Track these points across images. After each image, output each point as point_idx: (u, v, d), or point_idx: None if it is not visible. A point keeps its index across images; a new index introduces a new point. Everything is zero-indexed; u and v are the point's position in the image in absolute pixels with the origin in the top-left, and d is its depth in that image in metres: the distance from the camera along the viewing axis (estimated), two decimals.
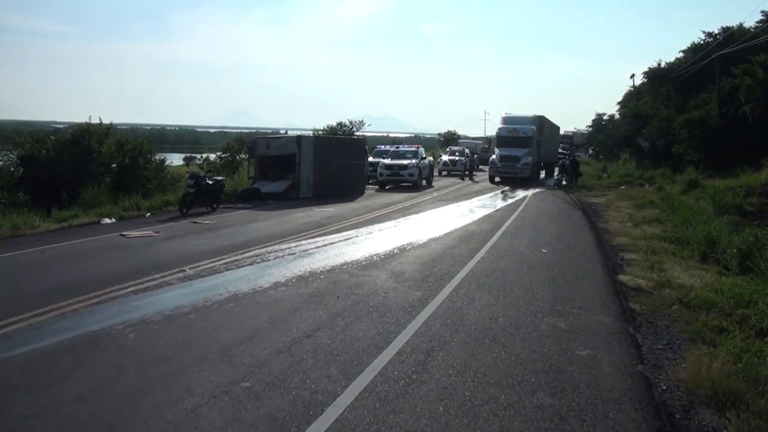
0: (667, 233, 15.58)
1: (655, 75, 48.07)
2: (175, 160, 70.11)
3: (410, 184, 33.51)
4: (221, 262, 11.93)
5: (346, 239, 14.89)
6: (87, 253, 13.44)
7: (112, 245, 14.35)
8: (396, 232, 16.22)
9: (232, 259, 12.25)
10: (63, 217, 19.19)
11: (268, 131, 38.95)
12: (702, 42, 43.52)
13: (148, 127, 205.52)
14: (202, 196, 21.80)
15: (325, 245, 13.99)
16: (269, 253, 12.96)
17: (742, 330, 7.58)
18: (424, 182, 34.94)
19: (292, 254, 12.85)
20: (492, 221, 19.00)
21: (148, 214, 20.73)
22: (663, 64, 48.13)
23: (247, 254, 12.76)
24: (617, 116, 65.01)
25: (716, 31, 42.69)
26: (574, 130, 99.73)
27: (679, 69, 43.43)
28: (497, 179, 39.04)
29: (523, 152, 38.51)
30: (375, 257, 12.39)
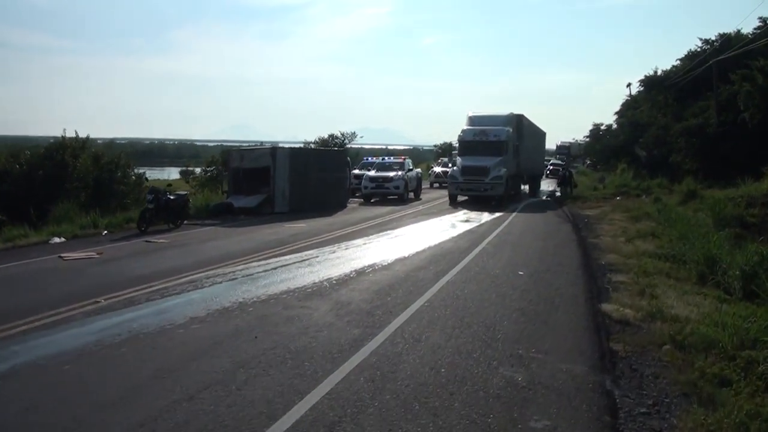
0: (663, 250, 14.00)
1: (651, 83, 46.70)
2: (173, 173, 68.82)
3: (396, 197, 31.99)
4: (148, 290, 10.36)
5: (302, 260, 13.31)
6: (9, 279, 11.91)
7: (43, 270, 12.83)
8: (362, 252, 14.63)
9: (162, 286, 10.67)
10: (11, 237, 17.71)
11: (268, 144, 37.26)
12: (699, 49, 42.14)
13: (148, 141, 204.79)
14: (163, 213, 20.33)
15: (276, 268, 12.41)
16: (209, 278, 11.39)
17: (749, 381, 5.98)
18: (411, 195, 33.46)
19: (232, 279, 11.28)
20: (471, 237, 17.42)
21: (105, 232, 19.21)
22: (659, 72, 46.76)
23: (183, 280, 11.19)
24: (615, 126, 63.52)
25: (713, 38, 41.30)
26: (572, 141, 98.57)
27: (676, 76, 42.04)
28: (460, 198, 30.83)
29: (494, 162, 29.37)
30: (325, 283, 10.80)
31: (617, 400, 5.63)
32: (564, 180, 35.93)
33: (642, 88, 49.46)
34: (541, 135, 43.75)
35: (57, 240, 17.62)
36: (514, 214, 25.13)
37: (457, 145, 32.37)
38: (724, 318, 7.95)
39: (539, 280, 11.09)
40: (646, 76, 47.15)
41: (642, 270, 11.66)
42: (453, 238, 17.31)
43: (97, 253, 14.73)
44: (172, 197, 20.64)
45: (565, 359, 6.63)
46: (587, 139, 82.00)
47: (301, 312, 8.68)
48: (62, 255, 14.37)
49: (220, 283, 10.99)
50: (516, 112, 33.31)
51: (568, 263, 13.05)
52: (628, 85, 57.67)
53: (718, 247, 12.07)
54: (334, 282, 10.88)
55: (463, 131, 31.64)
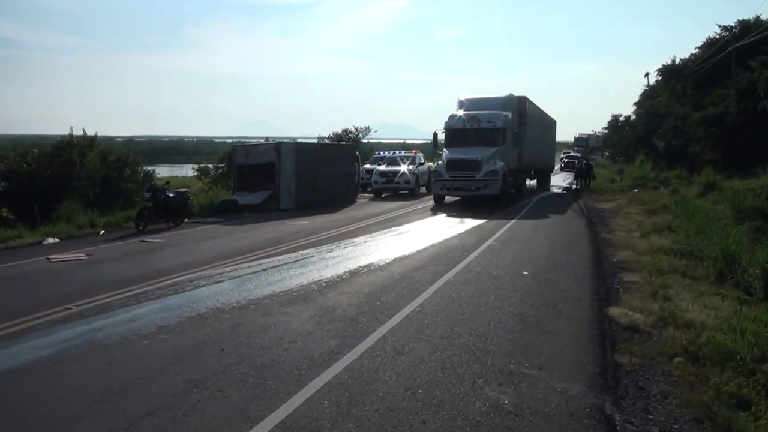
0: (679, 245, 13.14)
1: (669, 72, 45.50)
2: (191, 171, 68.32)
3: (407, 191, 31.23)
4: (126, 294, 9.76)
5: (296, 260, 12.64)
6: None
7: (26, 273, 12.33)
8: (361, 251, 13.94)
9: (142, 290, 10.07)
10: (5, 237, 17.29)
11: (286, 140, 35.70)
12: (718, 36, 40.92)
13: (166, 139, 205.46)
14: (162, 211, 19.82)
15: (267, 269, 11.76)
16: (193, 280, 10.76)
17: None
18: (423, 189, 32.66)
19: (217, 282, 10.64)
20: (479, 233, 16.64)
21: (103, 231, 18.73)
22: (678, 61, 45.56)
23: (165, 283, 10.58)
24: (633, 117, 62.20)
25: (732, 24, 40.05)
26: (591, 133, 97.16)
27: (695, 65, 40.88)
28: (448, 198, 26.71)
29: (488, 153, 24.21)
30: (314, 286, 10.11)
31: (617, 428, 4.87)
32: (581, 172, 34.91)
33: (660, 78, 48.25)
34: (550, 123, 38.99)
35: (51, 241, 17.18)
36: (525, 209, 24.31)
37: (444, 134, 26.53)
38: (743, 324, 7.16)
39: (544, 281, 10.31)
40: (663, 65, 45.96)
41: (656, 268, 10.84)
42: (459, 234, 16.55)
43: (87, 255, 14.21)
44: (171, 195, 20.12)
45: (562, 376, 5.86)
46: (606, 131, 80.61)
47: (279, 319, 8.00)
48: (50, 257, 13.85)
49: (204, 286, 10.34)
50: (518, 94, 28.54)
51: (578, 261, 12.24)
52: (646, 74, 56.40)
53: (737, 243, 11.20)
54: (324, 284, 10.19)
55: (451, 117, 26.38)
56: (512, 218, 20.49)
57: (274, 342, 6.98)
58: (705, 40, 42.70)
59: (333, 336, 7.17)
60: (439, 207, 24.67)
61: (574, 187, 35.23)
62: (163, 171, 62.46)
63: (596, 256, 13.02)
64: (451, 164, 24.54)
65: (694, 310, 8.13)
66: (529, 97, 30.14)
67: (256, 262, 12.47)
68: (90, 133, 27.55)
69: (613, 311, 8.19)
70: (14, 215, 23.61)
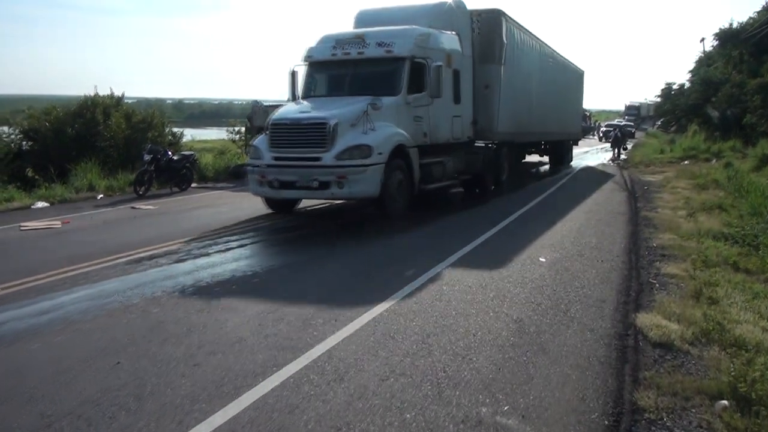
0: (731, 228, 11.11)
1: (726, 37, 42.40)
2: (224, 134, 67.06)
3: None
4: (65, 275, 8.53)
5: (288, 232, 11.34)
6: None
7: None
8: (370, 220, 12.30)
9: (89, 269, 8.81)
10: None
11: None
12: None
13: (216, 102, 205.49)
14: (165, 175, 18.51)
15: (245, 245, 10.41)
16: (153, 257, 9.50)
17: None
18: None
19: (180, 261, 9.31)
20: (504, 205, 14.84)
21: (101, 195, 17.59)
22: (735, 25, 42.37)
23: (122, 260, 9.30)
24: (688, 85, 58.64)
25: None
26: (643, 101, 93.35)
27: (753, 29, 37.73)
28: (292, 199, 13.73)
29: (352, 110, 11.76)
30: (285, 270, 8.60)
31: None
32: (618, 141, 32.83)
33: (716, 43, 45.08)
34: (569, 72, 27.29)
35: (40, 205, 16.16)
36: (568, 176, 22.36)
37: (306, 73, 14.18)
38: None
39: (561, 272, 8.46)
40: (720, 29, 42.83)
41: (701, 258, 8.90)
42: (487, 204, 14.80)
43: (63, 223, 13.00)
44: (175, 158, 18.79)
45: (551, 430, 4.12)
46: (659, 99, 76.91)
47: (215, 317, 6.40)
48: (22, 225, 12.62)
49: (160, 266, 8.90)
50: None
51: (608, 246, 10.32)
52: (702, 40, 52.87)
53: None
54: (297, 268, 8.60)
55: (321, 41, 13.92)
56: (548, 189, 18.59)
57: (188, 353, 5.39)
58: (765, 3, 39.60)
59: (267, 346, 5.54)
60: None
61: (622, 157, 32.93)
62: (211, 133, 61.57)
63: (633, 239, 11.10)
64: (276, 133, 12.27)
65: (746, 321, 6.26)
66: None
67: (238, 237, 10.98)
68: (150, 94, 26.66)
69: (642, 319, 6.35)
70: (42, 176, 22.90)
